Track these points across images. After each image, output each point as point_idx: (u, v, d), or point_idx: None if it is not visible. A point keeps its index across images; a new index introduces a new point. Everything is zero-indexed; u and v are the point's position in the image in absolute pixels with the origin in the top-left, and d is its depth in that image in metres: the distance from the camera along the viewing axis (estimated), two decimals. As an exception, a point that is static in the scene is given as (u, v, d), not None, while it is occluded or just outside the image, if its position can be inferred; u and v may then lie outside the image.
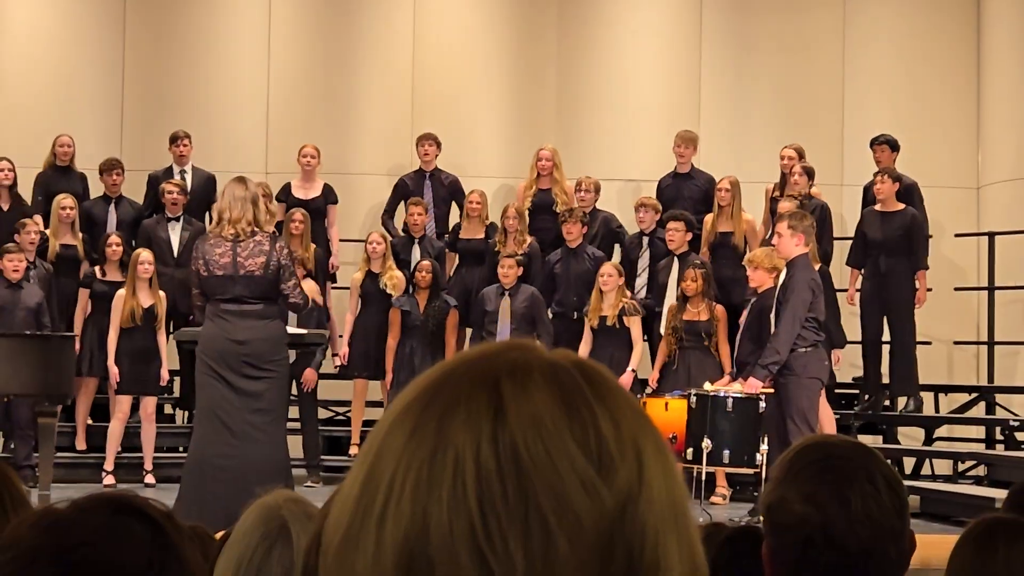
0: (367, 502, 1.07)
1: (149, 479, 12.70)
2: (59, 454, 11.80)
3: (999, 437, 13.32)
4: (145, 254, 12.69)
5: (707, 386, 10.76)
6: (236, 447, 8.96)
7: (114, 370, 12.62)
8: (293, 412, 12.47)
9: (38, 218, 13.36)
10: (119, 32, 15.35)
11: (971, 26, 15.55)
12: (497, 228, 13.62)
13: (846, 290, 13.34)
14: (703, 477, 10.42)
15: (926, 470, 13.35)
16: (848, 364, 13.56)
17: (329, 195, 14.23)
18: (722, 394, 10.46)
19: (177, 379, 13.48)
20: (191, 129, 14.22)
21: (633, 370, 12.54)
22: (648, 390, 12.35)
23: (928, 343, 13.97)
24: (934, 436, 13.75)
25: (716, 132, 14.59)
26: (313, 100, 15.44)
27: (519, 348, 1.10)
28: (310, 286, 11.51)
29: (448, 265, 13.96)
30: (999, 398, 13.84)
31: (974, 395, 13.92)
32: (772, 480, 2.52)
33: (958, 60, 15.56)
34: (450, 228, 14.22)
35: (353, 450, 13.56)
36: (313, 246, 13.50)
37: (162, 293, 12.79)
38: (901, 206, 13.04)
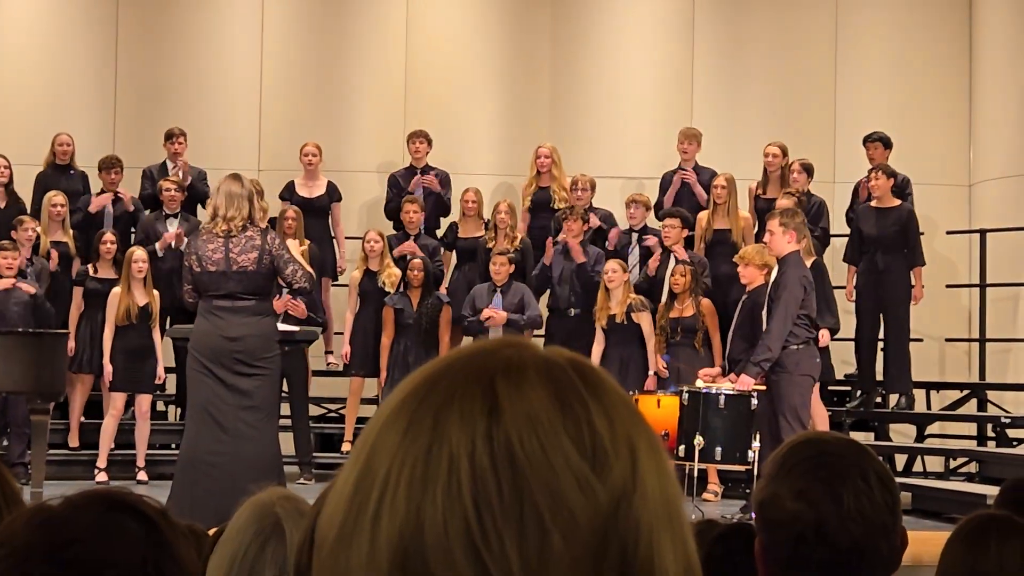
0: (361, 499, 1.07)
1: (142, 476, 12.69)
2: (52, 451, 11.79)
3: (991, 434, 13.34)
4: (139, 252, 12.69)
5: (699, 383, 10.76)
6: (228, 444, 8.95)
7: (108, 368, 12.61)
8: (285, 409, 12.47)
9: (33, 218, 13.35)
10: (112, 29, 15.34)
11: (963, 24, 15.57)
12: (491, 225, 13.62)
13: (843, 287, 13.35)
14: (695, 474, 10.43)
15: (918, 467, 13.36)
16: (840, 361, 13.56)
17: (333, 193, 14.24)
18: (714, 391, 10.47)
19: (172, 376, 13.46)
20: (183, 126, 14.21)
21: (655, 372, 12.50)
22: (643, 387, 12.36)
23: (920, 340, 13.97)
24: (926, 433, 13.76)
25: (709, 129, 14.58)
26: (306, 97, 15.43)
27: (513, 345, 1.11)
28: (294, 247, 11.35)
29: (445, 263, 13.95)
30: (991, 395, 13.85)
31: (966, 392, 13.93)
32: (764, 477, 2.52)
33: (950, 57, 15.57)
34: (443, 225, 14.21)
35: (346, 447, 13.56)
36: (308, 242, 13.50)
37: (156, 291, 12.78)
38: (897, 202, 13.05)
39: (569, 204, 13.51)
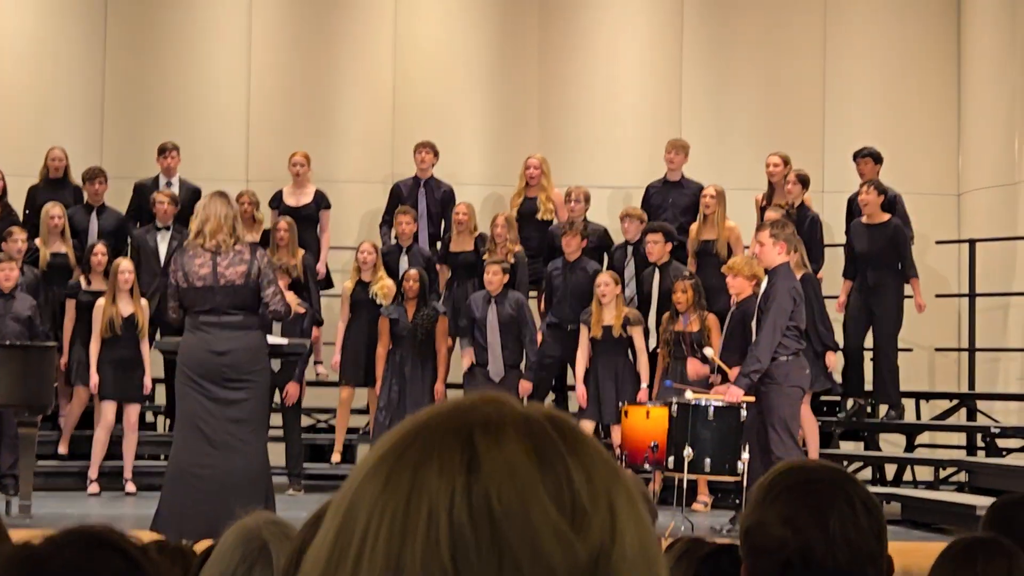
0: (340, 552, 1.08)
1: (130, 487, 12.69)
2: (41, 462, 11.79)
3: (980, 444, 13.34)
4: (125, 263, 12.68)
5: (688, 395, 10.76)
6: (216, 457, 8.94)
7: (95, 378, 12.60)
8: (276, 420, 12.46)
9: (23, 229, 13.32)
10: (100, 41, 15.33)
11: (951, 34, 15.60)
12: (486, 238, 13.60)
13: (836, 297, 13.37)
14: (684, 485, 10.43)
15: (907, 477, 13.38)
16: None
17: (321, 201, 14.24)
18: (703, 403, 10.47)
19: (161, 387, 13.45)
20: (171, 138, 14.20)
21: (648, 386, 12.52)
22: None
23: (909, 350, 13.99)
24: (915, 443, 13.76)
25: (697, 140, 14.60)
26: (294, 108, 15.43)
27: (492, 402, 1.11)
28: (289, 297, 11.49)
29: (440, 278, 13.93)
30: (980, 405, 13.86)
31: (955, 402, 13.94)
32: (750, 503, 2.52)
33: (938, 68, 15.60)
34: (442, 238, 14.21)
35: (335, 458, 13.55)
36: (301, 252, 13.51)
37: (144, 302, 12.77)
38: (886, 217, 13.06)
39: (568, 219, 13.46)
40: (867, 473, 13.53)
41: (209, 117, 15.31)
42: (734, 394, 10.37)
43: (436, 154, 14.30)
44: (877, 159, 13.66)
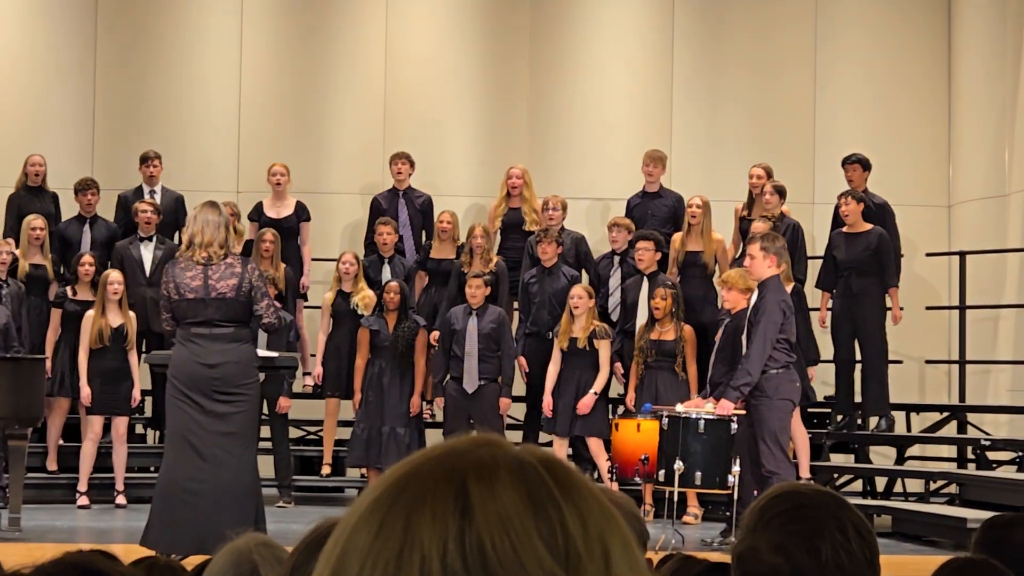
0: None
1: (120, 500, 12.66)
2: (31, 475, 11.76)
3: (971, 456, 13.35)
4: (114, 274, 12.67)
5: (679, 408, 10.75)
6: (206, 471, 8.91)
7: (86, 391, 12.59)
8: (264, 432, 12.45)
9: (10, 239, 13.31)
10: (90, 52, 15.31)
11: (941, 46, 15.62)
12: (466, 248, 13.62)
13: (816, 309, 13.37)
14: (675, 498, 10.42)
15: (898, 489, 13.37)
16: (820, 383, 13.58)
17: (301, 213, 14.21)
18: (694, 415, 10.46)
19: (149, 399, 13.43)
20: (162, 148, 14.19)
21: (596, 393, 12.54)
22: (620, 410, 12.38)
23: (900, 362, 14.00)
24: (906, 455, 13.76)
25: (687, 151, 14.62)
26: (284, 119, 15.43)
27: (485, 445, 1.10)
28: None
29: (417, 284, 13.94)
30: (971, 417, 13.85)
31: (946, 414, 13.93)
32: (742, 529, 2.52)
33: (928, 80, 15.62)
34: (424, 247, 14.22)
35: (325, 470, 13.54)
36: (283, 266, 13.50)
37: (132, 313, 12.76)
38: (868, 226, 13.07)
39: (538, 226, 13.52)
40: (857, 485, 13.54)
41: (199, 128, 15.30)
42: (725, 407, 10.37)
43: (412, 164, 14.33)
44: (865, 165, 13.67)
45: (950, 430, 13.81)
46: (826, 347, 13.33)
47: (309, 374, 13.87)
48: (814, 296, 13.41)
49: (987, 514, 4.11)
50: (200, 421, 8.95)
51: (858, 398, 13.34)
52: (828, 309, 13.42)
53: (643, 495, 12.26)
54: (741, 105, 15.51)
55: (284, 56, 15.55)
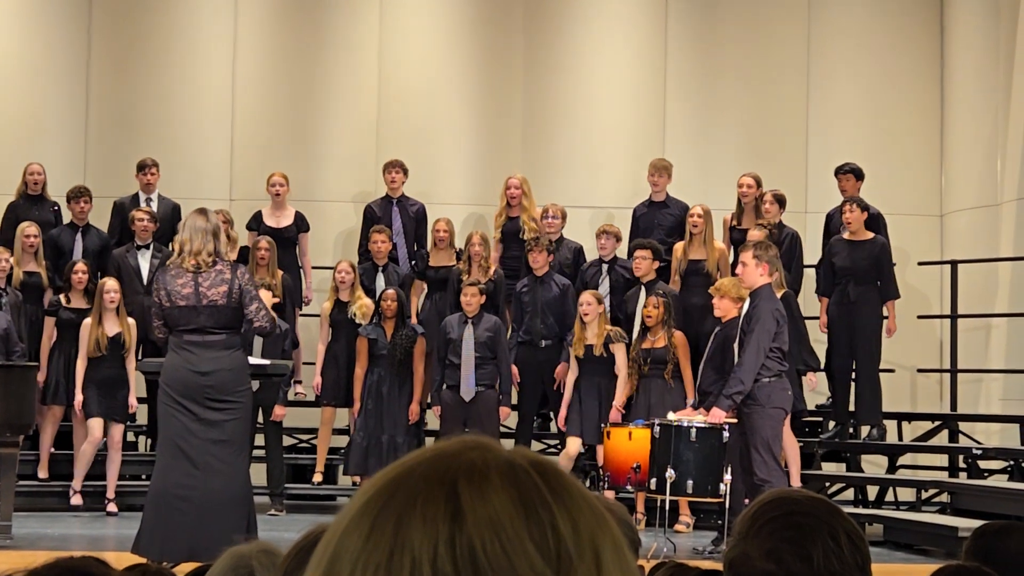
0: None
1: (112, 507, 12.65)
2: (22, 482, 11.74)
3: (962, 465, 13.35)
4: (111, 283, 12.66)
5: (671, 416, 10.75)
6: (198, 478, 8.91)
7: (79, 397, 12.57)
8: (258, 440, 12.43)
9: (8, 248, 13.30)
10: (84, 58, 15.31)
11: (934, 56, 15.64)
12: (462, 256, 13.63)
13: (816, 317, 13.37)
14: (667, 506, 10.41)
15: (889, 498, 13.37)
16: (811, 391, 13.57)
17: (300, 223, 14.22)
18: (686, 424, 10.46)
19: (143, 407, 13.41)
20: (155, 156, 14.18)
21: (622, 403, 12.53)
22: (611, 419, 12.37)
23: (892, 371, 14.01)
24: (897, 464, 13.78)
25: (681, 160, 14.61)
26: (278, 127, 15.42)
27: (476, 448, 1.10)
28: (264, 296, 11.33)
29: (417, 293, 13.94)
30: (962, 426, 13.86)
31: (937, 423, 13.94)
32: (734, 535, 2.52)
33: (921, 89, 15.64)
34: (418, 255, 14.21)
35: (317, 478, 13.53)
36: (281, 273, 13.49)
37: (131, 321, 12.75)
38: (870, 235, 13.08)
39: (535, 235, 13.51)
40: (849, 494, 13.54)
41: (193, 136, 15.29)
42: (717, 415, 10.37)
43: (406, 172, 14.33)
44: (859, 175, 13.69)
45: (942, 439, 13.82)
46: (820, 354, 13.33)
47: (300, 382, 13.85)
48: (806, 303, 13.41)
49: (978, 523, 4.10)
50: (192, 428, 8.95)
51: (850, 406, 13.35)
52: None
53: (635, 503, 12.26)
54: (734, 114, 15.51)
55: (278, 64, 15.54)
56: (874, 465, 14.16)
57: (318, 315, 13.81)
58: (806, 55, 15.63)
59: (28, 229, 13.29)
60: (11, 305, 12.75)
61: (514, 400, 13.25)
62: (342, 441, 13.96)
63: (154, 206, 13.90)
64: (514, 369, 13.08)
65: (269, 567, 2.67)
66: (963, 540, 3.84)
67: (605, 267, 13.45)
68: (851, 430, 13.43)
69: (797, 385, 12.13)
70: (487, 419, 12.64)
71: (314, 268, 14.50)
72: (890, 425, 13.63)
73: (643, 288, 12.96)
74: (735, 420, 10.39)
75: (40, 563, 1.73)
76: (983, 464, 12.99)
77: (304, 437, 14.49)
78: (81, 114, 15.28)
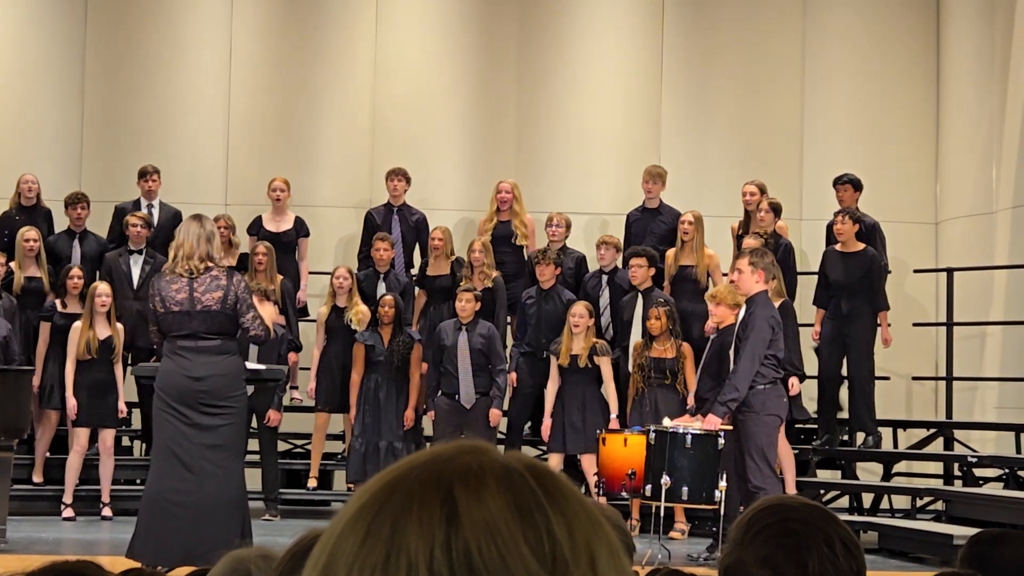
0: None
1: (106, 512, 12.64)
2: (16, 486, 11.73)
3: (957, 473, 13.36)
4: (102, 287, 12.65)
5: (666, 422, 10.75)
6: (193, 483, 8.90)
7: (72, 403, 12.57)
8: (252, 445, 12.43)
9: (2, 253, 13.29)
10: (79, 64, 15.31)
11: (930, 64, 15.65)
12: (463, 263, 13.61)
13: (811, 325, 13.37)
14: (662, 513, 10.41)
15: (884, 505, 13.37)
16: (807, 399, 13.58)
17: (300, 228, 14.23)
18: (681, 430, 10.45)
19: (136, 411, 13.41)
20: (152, 162, 14.17)
21: (616, 416, 12.55)
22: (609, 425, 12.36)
23: (887, 378, 14.01)
24: (892, 472, 13.78)
25: (676, 167, 14.62)
26: (274, 133, 15.42)
27: (472, 451, 1.10)
28: (268, 311, 11.39)
29: (417, 303, 13.92)
30: (957, 434, 13.87)
31: (932, 431, 13.95)
32: (729, 542, 2.51)
33: (917, 97, 15.65)
34: (416, 264, 14.21)
35: (312, 483, 13.52)
36: (280, 277, 13.48)
37: (120, 326, 12.74)
38: (861, 246, 13.08)
39: (543, 247, 13.47)
40: (844, 502, 13.54)
41: (188, 142, 15.29)
42: (712, 422, 10.37)
43: (408, 181, 14.33)
44: (857, 186, 13.69)
45: (937, 447, 13.82)
46: (813, 364, 13.35)
47: (296, 388, 13.85)
48: (802, 311, 13.41)
49: (973, 531, 4.10)
50: (187, 433, 8.94)
51: (843, 415, 13.35)
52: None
53: (630, 510, 12.25)
54: (729, 122, 15.52)
55: (273, 70, 15.55)
56: (869, 473, 14.16)
57: (312, 320, 13.80)
58: (801, 63, 15.64)
59: (28, 234, 13.29)
60: (5, 310, 12.72)
61: (506, 406, 13.24)
62: (336, 446, 13.95)
63: (155, 212, 13.90)
64: (512, 376, 13.06)
65: (267, 571, 2.68)
66: (958, 548, 3.85)
67: (605, 278, 13.44)
68: (846, 438, 13.44)
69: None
70: (484, 426, 12.65)
71: (311, 273, 14.49)
72: (885, 433, 13.64)
73: (640, 295, 12.96)
74: (731, 427, 10.39)
75: (36, 567, 1.73)
76: (978, 472, 12.99)
77: (298, 442, 14.49)
78: (77, 121, 15.27)
